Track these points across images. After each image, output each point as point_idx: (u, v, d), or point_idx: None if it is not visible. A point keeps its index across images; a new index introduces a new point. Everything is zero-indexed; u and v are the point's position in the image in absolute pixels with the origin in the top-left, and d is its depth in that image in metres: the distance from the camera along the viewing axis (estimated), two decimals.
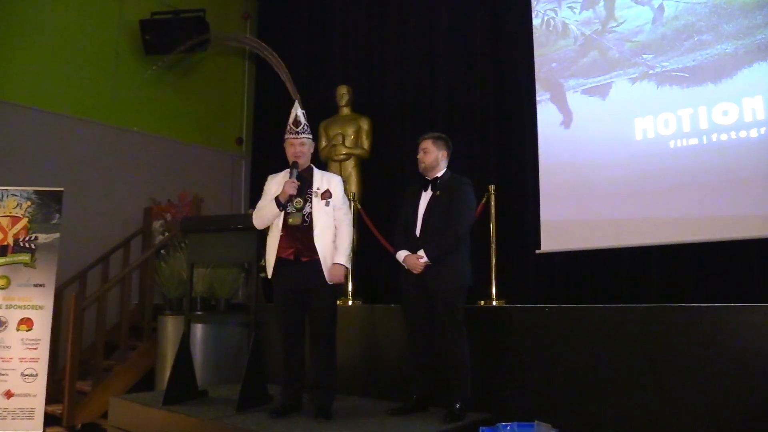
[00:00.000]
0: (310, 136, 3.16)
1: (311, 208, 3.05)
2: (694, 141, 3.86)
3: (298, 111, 3.14)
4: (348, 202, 3.34)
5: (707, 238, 3.72)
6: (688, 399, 2.71)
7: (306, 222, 3.02)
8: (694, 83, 3.89)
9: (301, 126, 3.11)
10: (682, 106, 3.92)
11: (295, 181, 3.02)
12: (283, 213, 3.03)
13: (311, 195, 3.07)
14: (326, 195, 3.08)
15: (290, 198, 3.01)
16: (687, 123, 3.89)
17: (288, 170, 3.09)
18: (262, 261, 3.22)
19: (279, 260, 3.02)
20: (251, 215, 3.18)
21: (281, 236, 3.02)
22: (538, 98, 4.60)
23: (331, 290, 3.08)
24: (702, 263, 3.82)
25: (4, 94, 5.21)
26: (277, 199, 3.01)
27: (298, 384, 3.10)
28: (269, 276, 3.07)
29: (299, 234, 3.02)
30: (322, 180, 3.13)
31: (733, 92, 3.74)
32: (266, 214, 3.05)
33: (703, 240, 3.74)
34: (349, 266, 3.18)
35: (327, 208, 3.07)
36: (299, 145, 3.09)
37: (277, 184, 3.10)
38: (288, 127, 3.12)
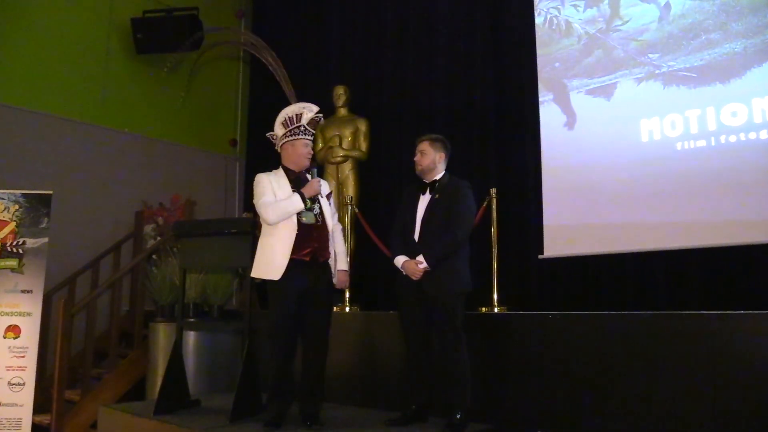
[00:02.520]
0: None
1: (320, 208, 3.11)
2: (702, 143, 3.87)
3: (317, 113, 3.16)
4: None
5: (716, 243, 3.72)
6: (698, 410, 2.71)
7: (319, 221, 3.08)
8: (701, 83, 3.90)
9: (314, 128, 3.20)
10: (689, 106, 3.93)
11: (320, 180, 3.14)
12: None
13: (319, 195, 3.13)
14: (329, 197, 3.21)
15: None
16: (695, 124, 3.90)
17: (274, 171, 3.18)
18: None
19: (293, 261, 2.98)
20: (246, 219, 3.19)
21: (296, 236, 3.00)
22: (540, 99, 4.61)
23: (333, 293, 3.17)
24: (710, 269, 3.82)
25: None
26: (301, 194, 3.02)
27: (292, 392, 3.11)
28: (276, 278, 2.97)
29: (315, 233, 3.05)
30: (321, 184, 3.22)
31: (742, 92, 3.75)
32: (288, 208, 3.00)
33: (712, 245, 3.74)
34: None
35: (330, 209, 3.18)
36: (311, 147, 3.19)
37: (276, 182, 3.10)
38: (302, 127, 3.12)
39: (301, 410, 3.10)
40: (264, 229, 3.08)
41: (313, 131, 3.18)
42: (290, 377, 3.09)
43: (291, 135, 3.12)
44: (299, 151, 3.12)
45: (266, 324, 3.12)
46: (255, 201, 3.09)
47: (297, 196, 3.01)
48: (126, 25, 6.00)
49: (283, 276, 2.96)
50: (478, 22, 5.16)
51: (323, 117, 5.32)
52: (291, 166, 3.15)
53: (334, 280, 3.16)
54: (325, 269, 3.10)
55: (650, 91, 4.10)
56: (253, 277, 3.15)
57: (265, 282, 3.07)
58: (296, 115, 3.12)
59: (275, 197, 3.03)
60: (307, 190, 3.05)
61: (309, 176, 3.14)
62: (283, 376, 3.06)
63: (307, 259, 3.02)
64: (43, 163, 5.39)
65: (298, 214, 3.02)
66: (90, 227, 5.60)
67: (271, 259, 3.00)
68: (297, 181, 3.12)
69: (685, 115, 3.94)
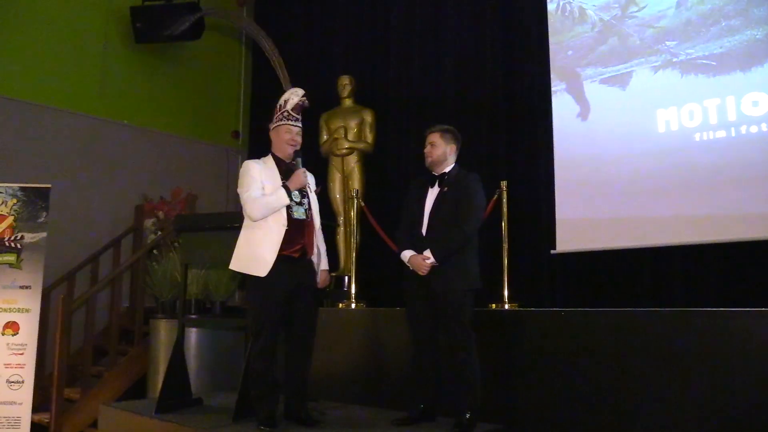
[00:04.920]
0: None
1: (309, 203, 3.09)
2: (721, 134, 3.83)
3: (302, 97, 3.10)
4: None
5: (735, 238, 3.69)
6: (717, 411, 2.70)
7: (308, 217, 3.06)
8: (721, 72, 3.86)
9: (299, 113, 3.12)
10: (708, 96, 3.89)
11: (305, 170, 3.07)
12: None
13: (308, 189, 3.11)
14: (316, 191, 3.16)
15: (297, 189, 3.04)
16: (714, 114, 3.86)
17: (264, 158, 3.11)
18: None
19: (281, 257, 2.95)
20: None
21: (286, 231, 2.97)
22: (553, 88, 4.58)
23: (320, 291, 3.18)
24: (730, 265, 3.79)
25: None
26: (286, 188, 2.98)
27: (277, 391, 3.08)
28: (262, 275, 2.92)
29: (305, 229, 3.04)
30: (307, 176, 3.16)
31: (763, 81, 3.71)
32: (273, 205, 2.96)
33: (731, 240, 3.71)
34: None
35: (317, 205, 3.16)
36: (296, 134, 3.09)
37: (265, 171, 3.05)
38: (286, 112, 3.07)
39: (289, 410, 3.09)
40: (248, 220, 3.02)
41: (298, 116, 3.10)
42: (274, 376, 3.06)
43: (276, 121, 3.10)
44: (282, 137, 3.07)
45: (250, 321, 3.06)
46: (240, 191, 3.02)
47: (282, 191, 2.96)
48: (125, 13, 6.00)
49: (270, 273, 2.92)
50: (488, 9, 5.13)
51: (329, 108, 5.43)
52: (279, 154, 3.11)
53: (318, 279, 3.14)
54: (311, 266, 3.09)
55: (667, 79, 4.06)
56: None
57: (246, 276, 3.02)
58: (284, 101, 3.09)
59: (263, 189, 2.97)
60: (293, 183, 3.01)
61: (294, 166, 3.09)
62: (268, 376, 3.03)
63: (297, 255, 3.00)
64: (41, 156, 5.41)
65: (289, 208, 2.99)
66: (89, 222, 5.62)
67: (258, 254, 2.95)
68: (288, 172, 3.07)
69: (704, 104, 3.91)
